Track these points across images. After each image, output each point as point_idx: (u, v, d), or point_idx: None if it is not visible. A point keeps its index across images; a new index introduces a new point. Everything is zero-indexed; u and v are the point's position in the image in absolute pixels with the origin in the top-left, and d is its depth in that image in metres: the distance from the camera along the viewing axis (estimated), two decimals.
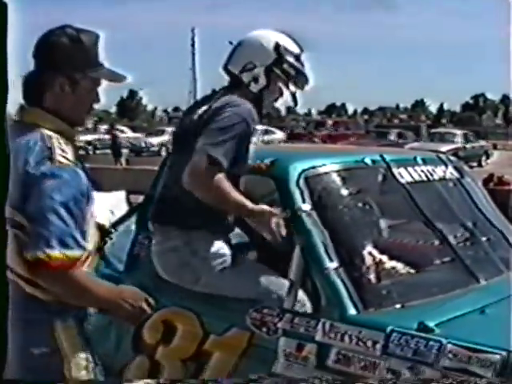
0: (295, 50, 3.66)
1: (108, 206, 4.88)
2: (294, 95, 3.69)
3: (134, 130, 52.23)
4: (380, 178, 3.83)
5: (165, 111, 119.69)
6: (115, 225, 4.32)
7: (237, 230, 3.82)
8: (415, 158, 4.13)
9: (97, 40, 2.72)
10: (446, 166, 4.28)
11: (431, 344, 2.98)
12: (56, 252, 2.46)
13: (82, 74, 2.68)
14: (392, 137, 35.41)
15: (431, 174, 4.06)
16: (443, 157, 4.48)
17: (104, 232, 3.32)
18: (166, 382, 3.59)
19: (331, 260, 3.34)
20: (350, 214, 3.60)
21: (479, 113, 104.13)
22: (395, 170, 3.87)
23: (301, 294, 3.40)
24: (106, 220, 4.24)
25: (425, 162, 4.13)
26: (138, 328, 3.57)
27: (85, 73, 2.69)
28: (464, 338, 2.96)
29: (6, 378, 2.49)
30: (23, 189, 2.47)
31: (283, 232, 3.34)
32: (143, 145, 40.88)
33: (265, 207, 3.42)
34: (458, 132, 34.82)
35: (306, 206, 3.45)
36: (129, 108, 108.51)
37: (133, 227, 4.14)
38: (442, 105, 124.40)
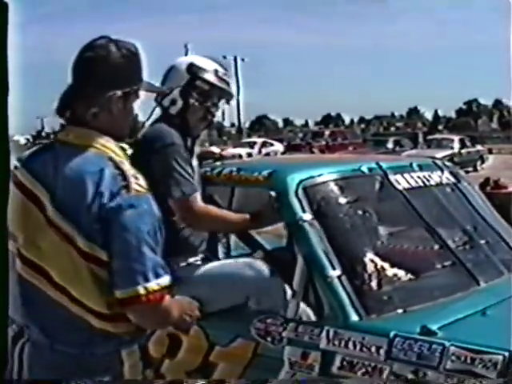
0: (212, 66, 3.72)
1: None
2: (208, 109, 3.72)
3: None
4: (377, 185, 3.87)
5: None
6: None
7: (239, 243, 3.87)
8: (411, 165, 4.16)
9: (138, 51, 2.58)
10: (442, 171, 4.31)
11: (434, 347, 3.00)
12: (153, 284, 2.40)
13: (133, 88, 2.56)
14: (389, 145, 35.46)
15: (428, 180, 4.09)
16: (439, 162, 4.50)
17: None
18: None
19: (333, 268, 3.36)
20: (350, 221, 3.62)
21: (474, 118, 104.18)
22: (392, 177, 3.90)
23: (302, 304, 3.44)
24: None
25: (421, 168, 4.16)
26: (143, 342, 3.59)
27: (136, 86, 2.58)
28: (467, 340, 2.98)
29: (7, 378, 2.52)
30: (102, 223, 2.36)
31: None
32: None
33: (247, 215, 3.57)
34: (455, 138, 34.84)
35: (308, 216, 3.47)
36: None
37: None
38: (436, 111, 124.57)
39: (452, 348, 2.96)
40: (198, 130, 3.75)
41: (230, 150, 41.73)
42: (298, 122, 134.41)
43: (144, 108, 3.38)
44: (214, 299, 3.41)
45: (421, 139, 39.90)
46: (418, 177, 4.05)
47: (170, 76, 3.70)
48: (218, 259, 3.92)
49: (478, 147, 35.62)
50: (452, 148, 32.09)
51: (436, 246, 3.80)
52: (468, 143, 34.34)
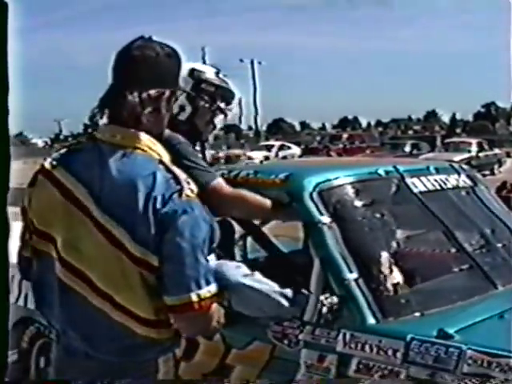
0: (212, 69, 3.74)
1: None
2: (220, 109, 3.73)
3: None
4: (394, 188, 3.86)
5: None
6: None
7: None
8: (428, 168, 4.15)
9: (178, 51, 2.53)
10: (459, 174, 4.30)
11: (451, 351, 2.99)
12: (205, 292, 2.41)
13: (177, 88, 2.56)
14: (407, 148, 35.36)
15: (444, 183, 4.09)
16: (456, 165, 4.49)
17: None
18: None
19: (350, 271, 3.37)
20: (366, 224, 3.61)
21: (492, 121, 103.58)
22: (408, 180, 3.90)
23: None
24: None
25: (438, 171, 4.16)
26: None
27: (178, 87, 2.57)
28: (484, 344, 2.97)
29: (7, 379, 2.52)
30: (155, 228, 2.34)
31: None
32: None
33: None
34: (473, 141, 34.69)
35: (325, 219, 3.48)
36: None
37: None
38: (454, 114, 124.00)
39: (469, 351, 2.95)
40: (207, 133, 3.75)
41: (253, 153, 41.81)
42: (315, 125, 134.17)
43: None
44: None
45: (438, 142, 39.76)
46: (435, 180, 4.05)
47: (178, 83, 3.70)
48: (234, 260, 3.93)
49: (496, 150, 35.47)
50: (470, 151, 31.97)
51: (453, 249, 3.79)
52: (486, 146, 34.19)
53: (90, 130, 2.53)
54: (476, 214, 4.15)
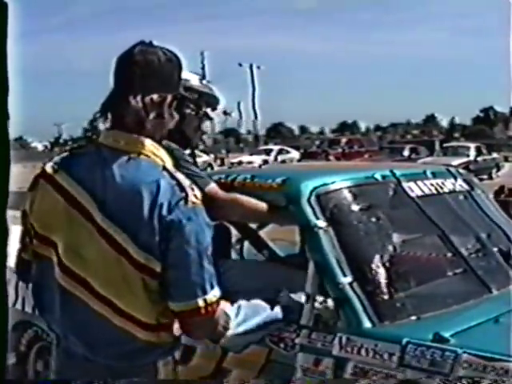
0: (195, 76, 3.74)
1: None
2: (207, 115, 3.75)
3: None
4: (390, 192, 3.87)
5: None
6: None
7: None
8: (425, 172, 4.17)
9: (178, 56, 2.54)
10: (456, 178, 4.32)
11: (447, 354, 3.01)
12: (211, 296, 2.42)
13: (178, 93, 2.55)
14: (406, 152, 35.40)
15: (441, 187, 4.10)
16: (453, 170, 4.51)
17: None
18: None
19: (345, 275, 3.37)
20: (362, 229, 3.62)
21: (490, 125, 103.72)
22: (405, 185, 3.91)
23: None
24: None
25: (434, 175, 4.18)
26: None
27: (179, 91, 2.57)
28: (479, 348, 2.98)
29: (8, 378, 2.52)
30: (160, 235, 2.34)
31: None
32: None
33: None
34: (472, 145, 34.75)
35: (321, 223, 3.49)
36: None
37: None
38: (453, 119, 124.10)
39: (464, 355, 2.96)
40: (196, 139, 3.76)
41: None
42: (314, 129, 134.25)
43: None
44: None
45: (437, 147, 39.83)
46: (432, 184, 4.06)
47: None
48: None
49: (494, 155, 35.53)
50: (468, 156, 32.04)
51: (449, 254, 3.80)
52: (484, 151, 34.24)
53: (89, 135, 2.52)
54: (472, 219, 4.16)
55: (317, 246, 3.46)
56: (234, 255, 4.79)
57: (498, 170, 33.77)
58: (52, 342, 2.70)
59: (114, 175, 2.38)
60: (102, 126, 2.50)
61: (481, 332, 3.20)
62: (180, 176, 2.45)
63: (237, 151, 57.11)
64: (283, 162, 40.40)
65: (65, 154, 2.57)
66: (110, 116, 2.48)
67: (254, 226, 5.02)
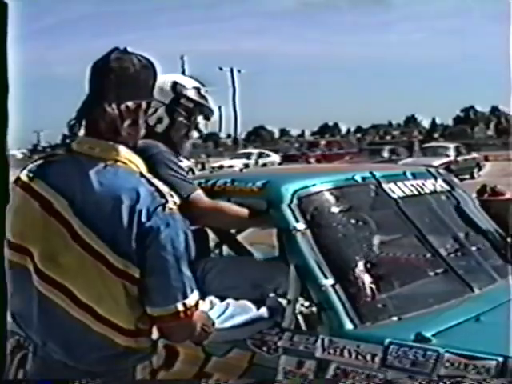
0: (194, 84, 3.74)
1: None
2: (196, 125, 3.76)
3: None
4: (371, 194, 3.88)
5: None
6: None
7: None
8: (405, 173, 4.19)
9: (153, 63, 2.54)
10: (436, 179, 4.34)
11: (429, 354, 3.01)
12: (191, 300, 2.45)
13: (152, 100, 2.58)
14: (385, 154, 35.48)
15: (422, 188, 4.12)
16: (433, 170, 4.53)
17: None
18: None
19: (326, 277, 3.37)
20: (343, 231, 3.63)
21: (471, 125, 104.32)
22: (385, 186, 3.92)
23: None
24: None
25: (414, 176, 4.19)
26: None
27: (153, 98, 2.59)
28: (461, 347, 2.99)
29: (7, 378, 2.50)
30: (138, 241, 2.35)
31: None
32: None
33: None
34: (451, 145, 34.90)
35: (301, 226, 3.49)
36: None
37: None
38: (434, 119, 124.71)
39: (446, 354, 2.97)
40: (181, 146, 3.76)
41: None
42: (295, 132, 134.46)
43: None
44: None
45: (417, 147, 39.97)
46: (412, 185, 4.07)
47: (154, 94, 3.70)
48: None
49: (474, 154, 35.71)
50: (448, 156, 32.17)
51: (430, 254, 3.82)
52: (463, 151, 34.40)
53: (68, 141, 2.51)
54: (453, 219, 4.18)
55: (296, 249, 3.46)
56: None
57: (480, 169, 33.93)
58: (31, 350, 2.68)
59: (92, 182, 2.38)
60: (80, 132, 2.49)
61: (463, 331, 3.20)
62: (158, 182, 2.46)
63: (216, 155, 57.04)
64: (264, 165, 40.52)
65: (39, 161, 2.57)
66: (84, 123, 2.47)
67: (232, 230, 5.03)
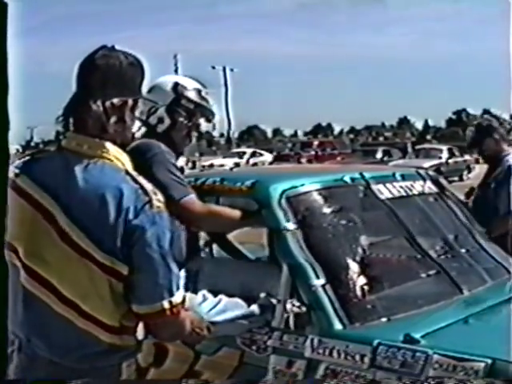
0: (195, 86, 3.78)
1: None
2: (197, 126, 3.78)
3: None
4: (360, 195, 3.89)
5: None
6: None
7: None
8: (394, 175, 4.20)
9: (141, 60, 2.53)
10: (425, 180, 4.35)
11: (418, 355, 3.02)
12: (177, 298, 2.45)
13: (140, 97, 2.55)
14: (379, 155, 35.46)
15: (410, 190, 4.13)
16: (422, 172, 4.54)
17: None
18: None
19: (317, 277, 3.38)
20: (333, 231, 3.63)
21: (463, 128, 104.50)
22: (374, 187, 3.93)
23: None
24: None
25: (403, 177, 4.20)
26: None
27: (140, 95, 2.57)
28: (449, 348, 3.00)
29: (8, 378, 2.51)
30: (124, 238, 2.35)
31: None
32: None
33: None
34: (444, 147, 34.94)
35: (291, 226, 3.50)
36: None
37: None
38: (426, 121, 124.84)
39: (435, 356, 2.98)
40: (182, 147, 3.77)
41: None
42: (288, 132, 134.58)
43: None
44: None
45: (410, 149, 39.98)
46: (401, 186, 4.09)
47: (155, 94, 3.71)
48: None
49: (466, 157, 35.73)
50: (440, 158, 32.22)
51: (419, 255, 3.82)
52: (457, 153, 34.43)
53: (61, 138, 2.51)
54: (442, 220, 4.19)
55: (285, 249, 3.47)
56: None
57: (470, 171, 33.92)
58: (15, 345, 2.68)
59: (78, 179, 2.39)
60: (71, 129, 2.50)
61: (451, 332, 3.22)
62: (142, 180, 2.45)
63: (209, 154, 57.01)
64: (255, 164, 40.53)
65: (26, 158, 2.58)
66: (72, 120, 2.47)
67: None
